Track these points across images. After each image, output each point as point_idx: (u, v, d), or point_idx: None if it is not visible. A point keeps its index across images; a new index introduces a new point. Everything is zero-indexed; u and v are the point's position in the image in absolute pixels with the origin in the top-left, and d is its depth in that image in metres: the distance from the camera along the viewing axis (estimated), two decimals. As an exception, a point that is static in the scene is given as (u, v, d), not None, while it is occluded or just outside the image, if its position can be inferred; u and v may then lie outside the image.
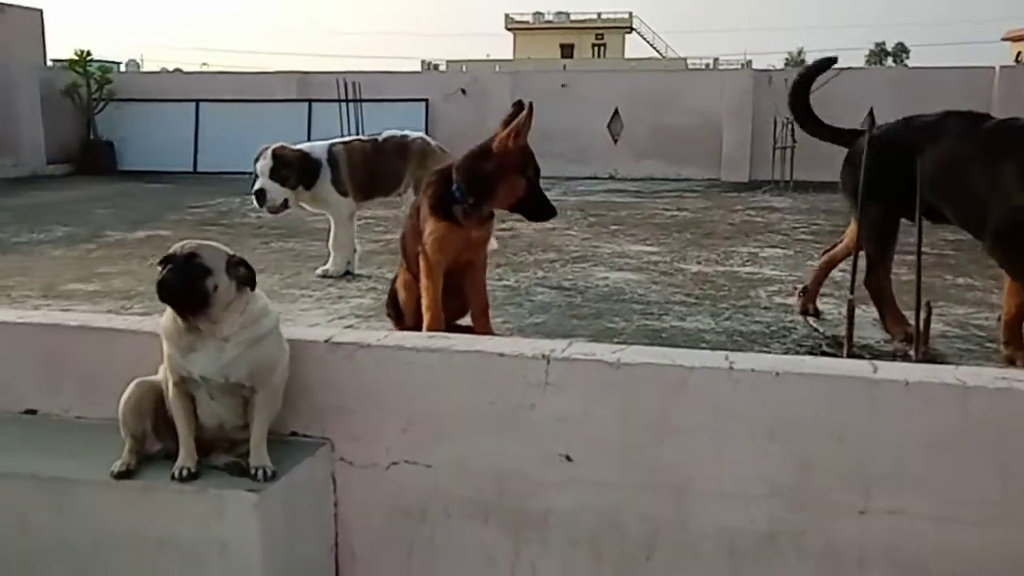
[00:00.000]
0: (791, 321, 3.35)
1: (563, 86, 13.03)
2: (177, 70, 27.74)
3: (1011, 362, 2.82)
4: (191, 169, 14.23)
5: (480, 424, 2.27)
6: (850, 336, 2.68)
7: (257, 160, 4.44)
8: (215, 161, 13.90)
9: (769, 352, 2.86)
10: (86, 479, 2.08)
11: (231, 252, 1.98)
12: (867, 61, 62.88)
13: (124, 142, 14.56)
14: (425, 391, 2.29)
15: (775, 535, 2.16)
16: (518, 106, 2.79)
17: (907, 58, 65.36)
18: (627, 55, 53.45)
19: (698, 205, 8.83)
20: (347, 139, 4.79)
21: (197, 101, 14.52)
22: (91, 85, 14.23)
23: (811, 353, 2.87)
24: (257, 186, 4.45)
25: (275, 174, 4.37)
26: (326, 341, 2.33)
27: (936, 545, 2.06)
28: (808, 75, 3.82)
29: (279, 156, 4.40)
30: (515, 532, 2.30)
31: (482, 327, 2.87)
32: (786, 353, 2.84)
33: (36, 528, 2.10)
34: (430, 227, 2.80)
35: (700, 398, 2.15)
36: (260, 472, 2.06)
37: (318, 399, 2.35)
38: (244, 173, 12.60)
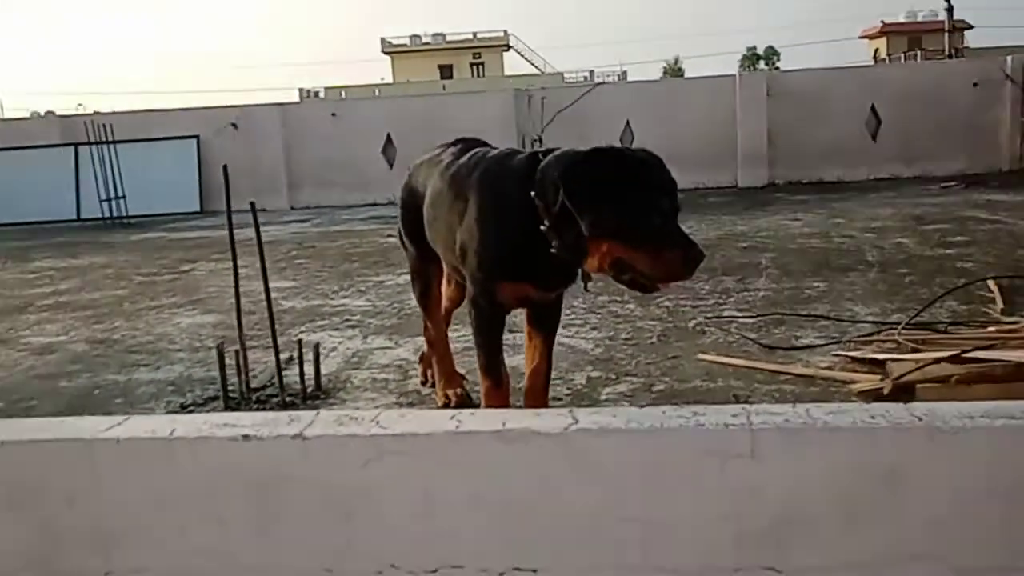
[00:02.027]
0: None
1: (333, 115, 12.98)
2: (49, 113, 26.20)
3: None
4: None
5: None
6: (224, 384, 2.65)
7: None
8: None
9: (148, 411, 2.78)
10: None
11: None
12: (741, 66, 65.03)
13: None
14: None
15: (33, 607, 2.08)
16: None
17: (778, 61, 67.93)
18: (506, 72, 53.90)
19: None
20: None
21: (-49, 152, 13.73)
22: None
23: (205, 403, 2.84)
24: None
25: None
26: None
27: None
28: None
29: None
30: None
31: None
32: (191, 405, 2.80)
33: None
34: None
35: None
36: None
37: None
38: (12, 224, 12.17)
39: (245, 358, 2.76)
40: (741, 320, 3.72)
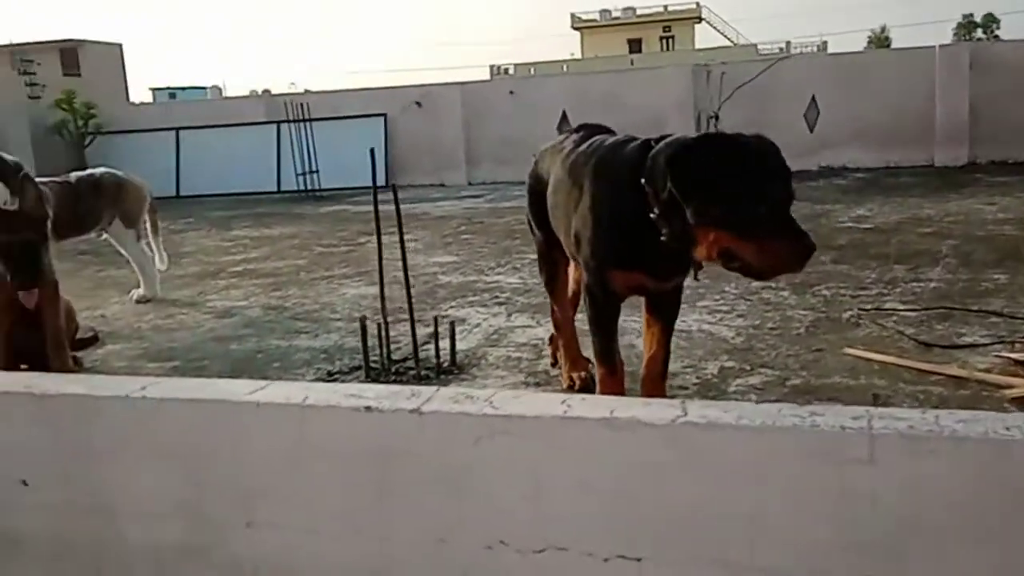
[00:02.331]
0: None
1: (511, 93, 13.20)
2: (266, 92, 28.23)
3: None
4: (174, 194, 14.74)
5: (-44, 451, 2.48)
6: (366, 355, 2.80)
7: None
8: (196, 185, 14.46)
9: (298, 377, 2.96)
10: None
11: None
12: (955, 35, 60.11)
13: (113, 172, 15.20)
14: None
15: (186, 550, 2.31)
16: None
17: (997, 28, 62.21)
18: (697, 45, 52.47)
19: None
20: (44, 180, 4.75)
21: (177, 129, 15.09)
22: (77, 121, 14.99)
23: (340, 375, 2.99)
24: None
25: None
26: None
27: (307, 554, 2.19)
28: None
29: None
30: (2, 551, 2.50)
31: (55, 356, 3.07)
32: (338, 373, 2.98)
33: None
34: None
35: (111, 424, 2.32)
36: None
37: None
38: (223, 195, 13.31)
39: (387, 331, 2.90)
40: (902, 313, 3.49)
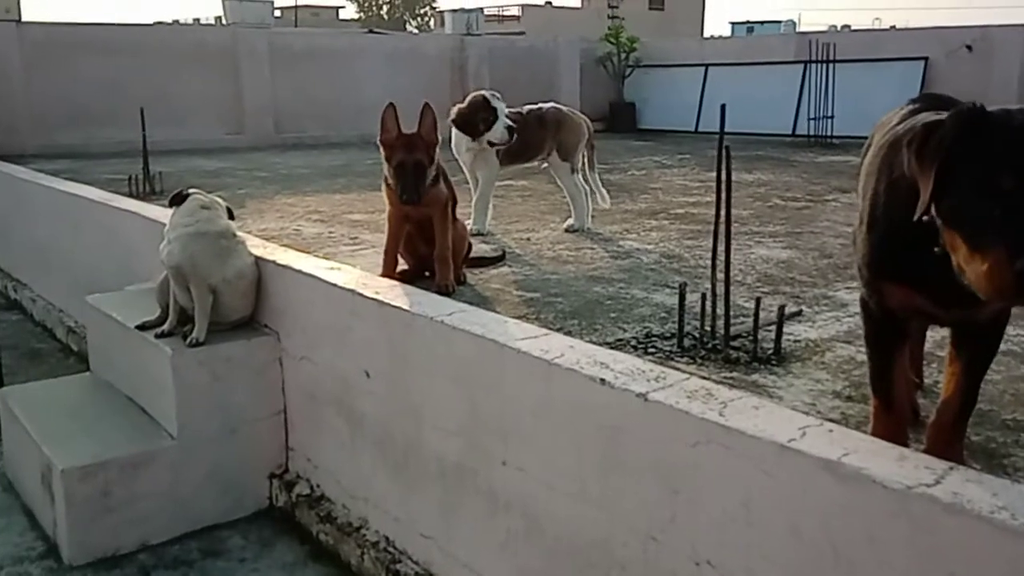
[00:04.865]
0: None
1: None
2: (846, 27, 27.75)
3: None
4: (693, 129, 15.19)
5: (330, 338, 2.98)
6: (681, 325, 2.61)
7: (486, 107, 4.64)
8: (715, 122, 14.68)
9: (620, 331, 2.81)
10: (127, 325, 3.35)
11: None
12: None
13: (645, 103, 16.20)
14: (308, 308, 3.07)
15: (462, 469, 2.48)
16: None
17: None
18: None
19: None
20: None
21: (706, 65, 15.39)
22: (621, 54, 16.17)
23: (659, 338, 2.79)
24: (509, 123, 4.68)
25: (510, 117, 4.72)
26: (273, 262, 3.25)
27: (544, 505, 2.20)
28: None
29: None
30: (351, 423, 2.97)
31: (438, 270, 3.41)
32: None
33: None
34: (384, 192, 3.43)
35: (420, 340, 2.56)
36: (191, 340, 3.11)
37: (271, 303, 3.29)
38: (737, 134, 13.40)
39: (714, 304, 2.69)
40: None
